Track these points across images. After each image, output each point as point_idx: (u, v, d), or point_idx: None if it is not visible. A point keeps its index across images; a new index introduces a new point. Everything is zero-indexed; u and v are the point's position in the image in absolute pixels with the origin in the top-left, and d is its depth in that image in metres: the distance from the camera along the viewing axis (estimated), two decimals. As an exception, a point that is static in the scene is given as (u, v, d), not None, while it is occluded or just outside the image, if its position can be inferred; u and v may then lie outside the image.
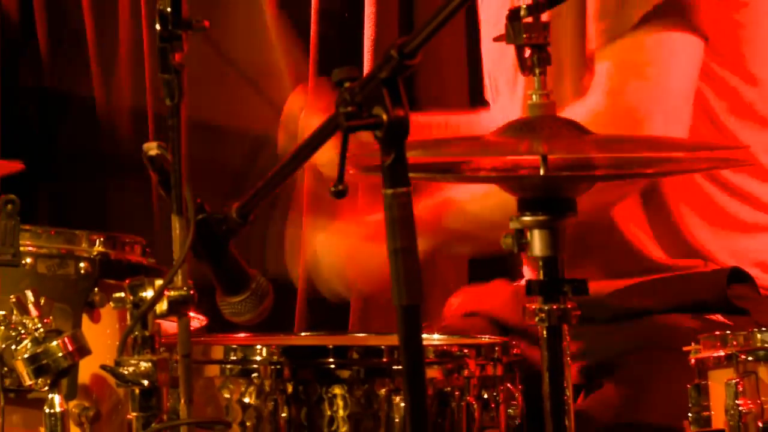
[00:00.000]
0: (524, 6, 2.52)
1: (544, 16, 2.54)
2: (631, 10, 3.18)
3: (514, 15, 2.53)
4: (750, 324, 3.16)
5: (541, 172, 2.57)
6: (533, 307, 2.56)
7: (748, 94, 3.28)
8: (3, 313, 2.56)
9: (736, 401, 2.62)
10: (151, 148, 2.52)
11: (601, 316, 3.21)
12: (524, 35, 2.55)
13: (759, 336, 2.65)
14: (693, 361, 2.72)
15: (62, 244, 2.66)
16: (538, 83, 2.56)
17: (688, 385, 2.71)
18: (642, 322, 3.20)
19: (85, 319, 2.65)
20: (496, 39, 3.60)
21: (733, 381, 2.63)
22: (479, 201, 3.15)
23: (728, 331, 2.68)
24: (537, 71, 2.55)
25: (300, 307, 4.68)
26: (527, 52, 2.55)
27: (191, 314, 2.52)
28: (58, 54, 5.24)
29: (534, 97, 2.57)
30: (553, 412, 2.56)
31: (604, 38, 3.21)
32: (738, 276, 3.26)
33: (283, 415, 2.64)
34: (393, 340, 2.64)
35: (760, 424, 2.56)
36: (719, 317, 3.18)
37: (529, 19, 2.53)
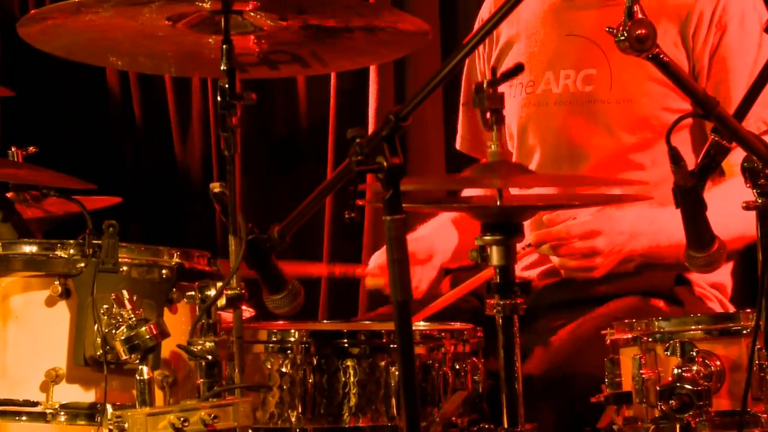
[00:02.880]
0: (486, 81, 2.51)
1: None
2: None
3: (479, 87, 2.51)
4: (682, 312, 3.15)
5: (498, 203, 2.57)
6: (492, 302, 2.55)
7: None
8: (106, 306, 2.54)
9: (640, 371, 2.61)
10: (215, 186, 2.51)
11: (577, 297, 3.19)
12: (486, 102, 2.54)
13: (656, 324, 2.63)
14: (608, 341, 2.71)
15: (149, 256, 2.64)
16: (496, 136, 2.54)
17: (605, 359, 2.69)
18: (600, 304, 3.15)
19: (165, 311, 2.64)
20: (464, 104, 3.59)
21: (638, 356, 2.62)
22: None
23: (634, 320, 2.67)
24: (495, 128, 2.54)
25: (323, 302, 4.67)
26: (488, 114, 2.54)
27: (243, 307, 2.51)
28: (148, 117, 5.24)
29: (493, 146, 2.56)
30: (507, 378, 2.54)
31: None
32: (682, 279, 3.23)
33: (310, 380, 2.63)
34: (390, 326, 2.63)
35: (657, 388, 2.54)
36: (662, 303, 3.14)
37: (490, 91, 2.52)
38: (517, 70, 2.58)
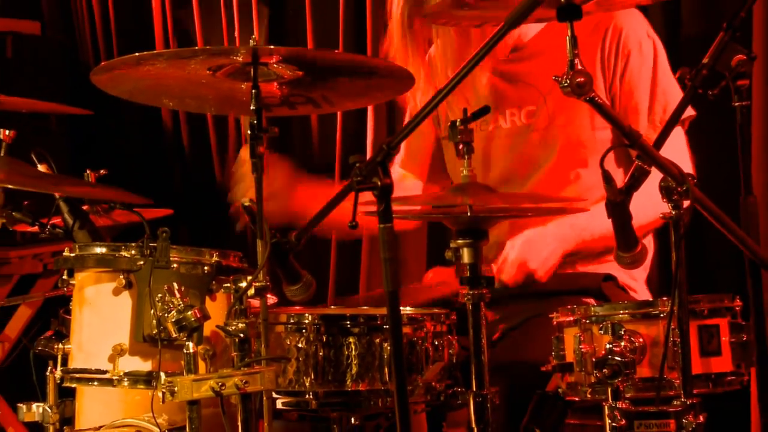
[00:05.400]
0: (459, 119, 2.53)
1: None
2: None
3: (453, 124, 2.53)
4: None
5: (468, 213, 2.57)
6: (463, 292, 2.55)
7: None
8: (160, 295, 2.54)
9: (580, 346, 2.61)
10: (246, 201, 2.50)
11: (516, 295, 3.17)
12: (459, 136, 2.55)
13: (593, 309, 2.63)
14: (555, 322, 2.71)
15: (194, 255, 2.64)
16: (467, 164, 2.55)
17: (552, 336, 2.69)
18: (543, 300, 3.13)
19: (207, 299, 2.63)
20: (443, 138, 3.58)
21: (578, 334, 2.62)
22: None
23: (575, 305, 2.67)
24: (466, 157, 2.55)
25: (330, 292, 4.67)
26: (461, 146, 2.55)
27: (268, 296, 2.51)
28: (193, 145, 5.25)
29: (464, 171, 2.56)
30: (475, 353, 2.54)
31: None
32: (609, 277, 3.23)
33: (321, 353, 2.62)
34: (383, 311, 2.63)
35: (593, 359, 2.54)
36: (592, 301, 3.14)
37: (462, 127, 2.53)
38: (484, 111, 2.60)
